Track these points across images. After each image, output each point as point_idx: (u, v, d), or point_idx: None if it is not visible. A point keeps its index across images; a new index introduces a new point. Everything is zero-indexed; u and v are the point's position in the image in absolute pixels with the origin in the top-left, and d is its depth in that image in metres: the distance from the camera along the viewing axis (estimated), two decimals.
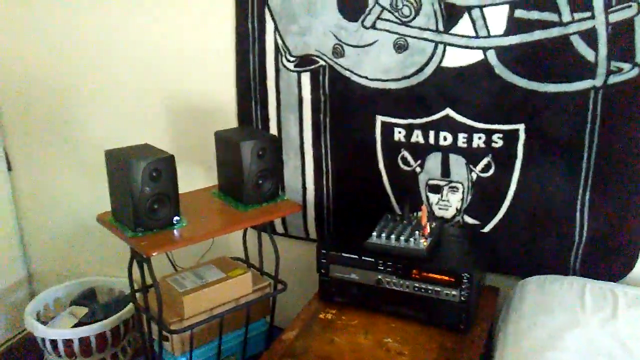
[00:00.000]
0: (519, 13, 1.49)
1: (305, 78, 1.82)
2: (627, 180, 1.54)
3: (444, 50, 1.60)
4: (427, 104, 1.67)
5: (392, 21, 1.64)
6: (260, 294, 1.75)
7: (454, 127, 1.66)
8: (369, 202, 1.86)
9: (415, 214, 1.70)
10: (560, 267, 1.66)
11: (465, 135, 1.66)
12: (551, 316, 1.40)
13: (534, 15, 1.48)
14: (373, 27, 1.67)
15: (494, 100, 1.60)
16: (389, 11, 1.63)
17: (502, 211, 1.69)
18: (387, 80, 1.70)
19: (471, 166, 1.69)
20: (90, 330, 2.00)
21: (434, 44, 1.61)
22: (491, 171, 1.67)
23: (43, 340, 2.03)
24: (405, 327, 1.52)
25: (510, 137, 1.61)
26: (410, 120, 1.72)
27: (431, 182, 1.76)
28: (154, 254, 1.41)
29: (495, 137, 1.63)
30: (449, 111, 1.66)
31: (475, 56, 1.57)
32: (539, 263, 1.68)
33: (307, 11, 1.73)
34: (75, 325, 2.08)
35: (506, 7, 1.50)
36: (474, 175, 1.69)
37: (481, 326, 1.52)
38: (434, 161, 1.73)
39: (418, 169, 1.76)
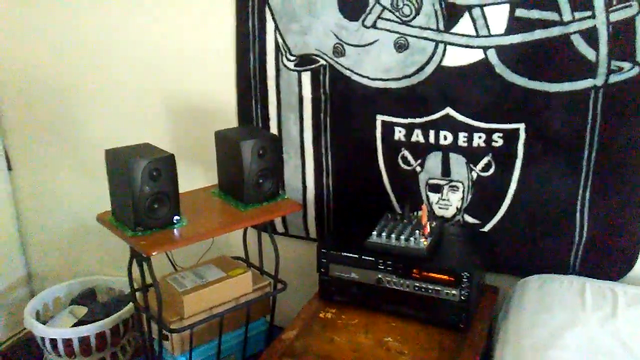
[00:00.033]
0: (520, 12, 1.49)
1: (306, 77, 1.82)
2: (627, 180, 1.54)
3: (445, 50, 1.60)
4: (428, 103, 1.67)
5: (392, 20, 1.64)
6: (260, 293, 1.75)
7: (455, 127, 1.66)
8: (369, 202, 1.86)
9: (415, 213, 1.70)
10: (560, 266, 1.66)
11: (466, 134, 1.66)
12: (551, 315, 1.40)
13: (535, 14, 1.48)
14: (374, 26, 1.66)
15: (495, 100, 1.59)
16: (390, 10, 1.63)
17: (502, 210, 1.69)
18: (387, 80, 1.70)
19: (471, 165, 1.69)
20: (89, 330, 2.00)
21: (434, 43, 1.61)
22: (491, 170, 1.67)
23: (43, 339, 2.02)
24: (406, 326, 1.52)
25: (511, 137, 1.61)
26: (410, 120, 1.72)
27: (431, 181, 1.76)
28: (153, 254, 1.41)
29: (495, 136, 1.63)
30: (449, 110, 1.66)
31: (476, 55, 1.57)
32: (539, 262, 1.68)
33: (308, 11, 1.73)
34: (75, 325, 2.08)
35: (507, 7, 1.50)
36: (474, 175, 1.69)
37: (481, 325, 1.52)
38: (434, 160, 1.72)
39: (418, 168, 1.76)
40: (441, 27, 1.59)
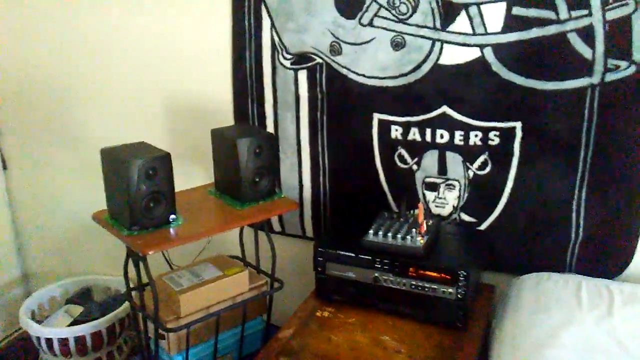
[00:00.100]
0: (517, 10, 1.49)
1: (302, 76, 1.81)
2: (623, 178, 1.54)
3: (441, 48, 1.60)
4: (424, 101, 1.67)
5: (389, 19, 1.64)
6: (256, 292, 1.75)
7: (451, 125, 1.66)
8: (366, 200, 1.85)
9: (412, 211, 1.70)
10: (556, 265, 1.66)
11: (462, 132, 1.66)
12: (547, 313, 1.41)
13: (532, 12, 1.48)
14: (370, 24, 1.66)
15: (491, 98, 1.59)
16: (386, 9, 1.63)
17: (498, 209, 1.70)
18: (384, 78, 1.70)
19: (468, 164, 1.69)
20: (85, 329, 1.99)
21: (431, 41, 1.60)
22: (488, 169, 1.67)
23: (38, 339, 2.02)
24: (403, 324, 1.53)
25: (507, 135, 1.61)
26: (407, 118, 1.72)
27: (428, 179, 1.76)
28: (149, 253, 1.41)
29: (492, 134, 1.63)
30: (445, 109, 1.66)
31: (473, 54, 1.57)
32: (536, 260, 1.68)
33: (304, 9, 1.72)
34: (71, 324, 2.07)
35: (503, 5, 1.50)
36: (471, 173, 1.69)
37: (478, 324, 1.52)
38: (430, 159, 1.72)
39: (415, 167, 1.76)
40: (438, 25, 1.58)
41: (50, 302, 2.28)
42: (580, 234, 1.63)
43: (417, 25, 1.61)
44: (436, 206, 1.78)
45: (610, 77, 1.46)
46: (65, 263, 2.51)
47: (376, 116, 1.76)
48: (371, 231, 1.57)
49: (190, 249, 1.77)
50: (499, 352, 1.33)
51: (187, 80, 2.01)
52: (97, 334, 2.01)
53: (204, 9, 1.89)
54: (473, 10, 1.53)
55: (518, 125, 1.59)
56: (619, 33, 1.42)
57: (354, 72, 1.74)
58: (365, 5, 1.65)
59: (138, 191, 1.42)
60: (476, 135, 1.65)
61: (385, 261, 1.53)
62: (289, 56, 1.81)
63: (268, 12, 1.79)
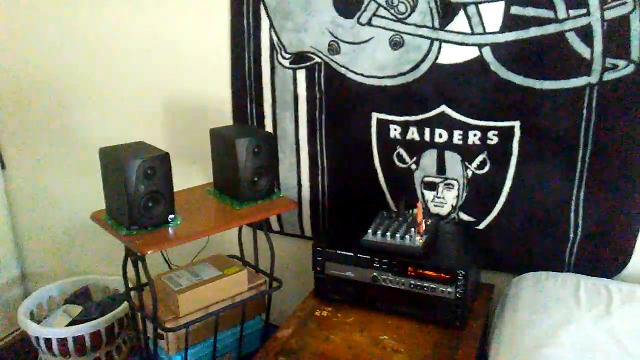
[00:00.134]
0: (515, 10, 1.49)
1: (301, 75, 1.81)
2: (621, 177, 1.54)
3: (440, 47, 1.60)
4: (423, 101, 1.67)
5: (387, 18, 1.64)
6: (255, 291, 1.75)
7: (450, 124, 1.66)
8: (365, 199, 1.86)
9: (410, 211, 1.70)
10: (555, 264, 1.66)
11: (461, 132, 1.66)
12: (546, 313, 1.41)
13: (530, 12, 1.48)
14: (369, 23, 1.66)
15: (490, 97, 1.60)
16: (385, 8, 1.63)
17: (497, 208, 1.70)
18: (382, 77, 1.70)
19: (466, 163, 1.69)
20: (84, 329, 1.99)
21: (429, 40, 1.61)
22: (486, 168, 1.67)
23: (37, 339, 2.01)
24: (401, 324, 1.53)
25: (506, 134, 1.61)
26: (405, 117, 1.72)
27: (426, 179, 1.76)
28: (148, 252, 1.41)
29: (490, 134, 1.63)
30: (444, 108, 1.66)
31: (471, 53, 1.57)
32: (534, 260, 1.68)
33: (303, 8, 1.72)
34: (70, 324, 2.07)
35: (502, 4, 1.50)
36: (469, 172, 1.69)
37: (477, 323, 1.52)
38: (429, 158, 1.72)
39: (413, 166, 1.76)
40: (436, 24, 1.58)
41: (49, 302, 2.28)
42: (579, 233, 1.63)
43: (416, 25, 1.61)
44: (435, 205, 1.78)
45: (608, 76, 1.47)
46: (64, 263, 2.51)
47: (375, 115, 1.76)
48: (370, 231, 1.57)
49: (189, 249, 1.77)
50: (497, 351, 1.33)
51: (185, 80, 2.01)
52: (96, 334, 2.01)
53: (203, 9, 1.89)
54: (471, 9, 1.53)
55: (516, 124, 1.59)
56: (617, 32, 1.43)
57: (352, 72, 1.74)
58: (364, 5, 1.65)
59: (137, 191, 1.42)
60: (475, 135, 1.65)
61: (384, 261, 1.53)
62: (287, 55, 1.81)
63: (267, 11, 1.79)
